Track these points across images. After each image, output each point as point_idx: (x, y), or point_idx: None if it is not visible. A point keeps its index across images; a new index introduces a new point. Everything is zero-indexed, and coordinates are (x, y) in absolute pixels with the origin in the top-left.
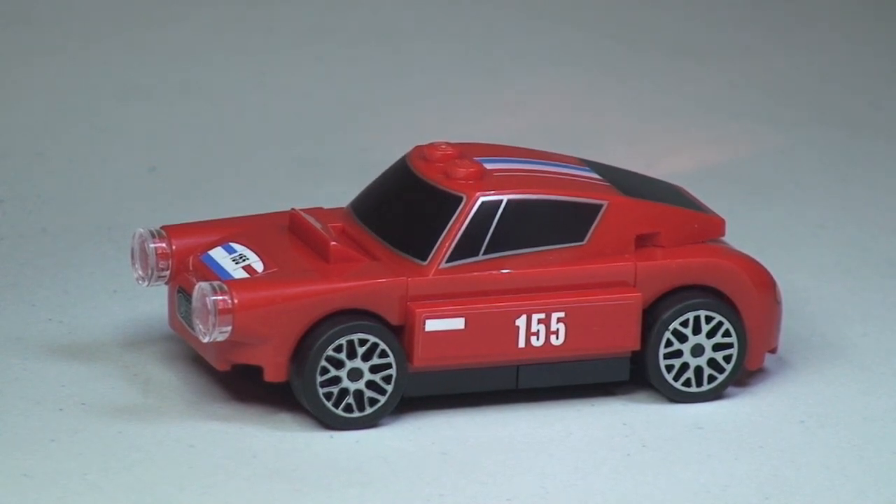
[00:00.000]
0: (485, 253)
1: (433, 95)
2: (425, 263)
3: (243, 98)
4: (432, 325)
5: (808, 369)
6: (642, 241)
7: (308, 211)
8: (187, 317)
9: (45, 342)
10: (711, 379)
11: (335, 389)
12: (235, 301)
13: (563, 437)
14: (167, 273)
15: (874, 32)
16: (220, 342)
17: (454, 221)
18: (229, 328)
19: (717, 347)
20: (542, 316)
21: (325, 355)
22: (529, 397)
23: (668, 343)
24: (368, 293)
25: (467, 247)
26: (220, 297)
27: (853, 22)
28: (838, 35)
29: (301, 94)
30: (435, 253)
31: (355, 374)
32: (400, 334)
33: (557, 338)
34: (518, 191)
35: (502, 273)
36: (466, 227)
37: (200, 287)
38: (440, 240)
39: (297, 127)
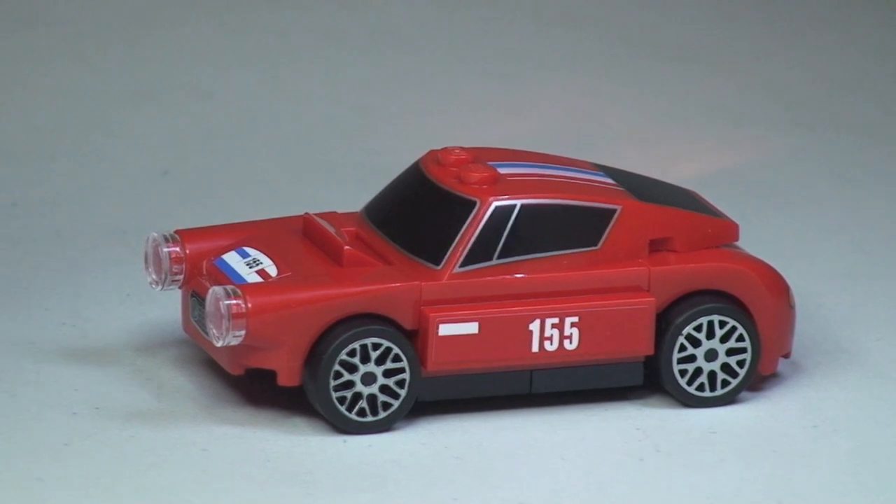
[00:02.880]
0: (498, 257)
1: (446, 99)
2: (439, 268)
3: (256, 102)
4: (446, 329)
5: (821, 374)
6: (656, 246)
7: (321, 215)
8: (201, 321)
9: (59, 346)
10: (725, 384)
11: (349, 394)
12: (249, 305)
13: (576, 441)
14: (181, 277)
15: (885, 37)
16: (233, 346)
17: (468, 226)
18: (243, 332)
19: (730, 352)
20: (556, 320)
21: (338, 359)
22: (543, 402)
23: (682, 348)
24: (382, 297)
25: (481, 251)
26: (234, 302)
27: (865, 27)
28: (850, 40)
29: (314, 98)
30: (448, 257)
31: (369, 379)
32: (413, 339)
33: (571, 342)
34: (532, 195)
35: (516, 277)
36: (480, 232)
37: (214, 291)
38: (454, 244)
39: (310, 131)
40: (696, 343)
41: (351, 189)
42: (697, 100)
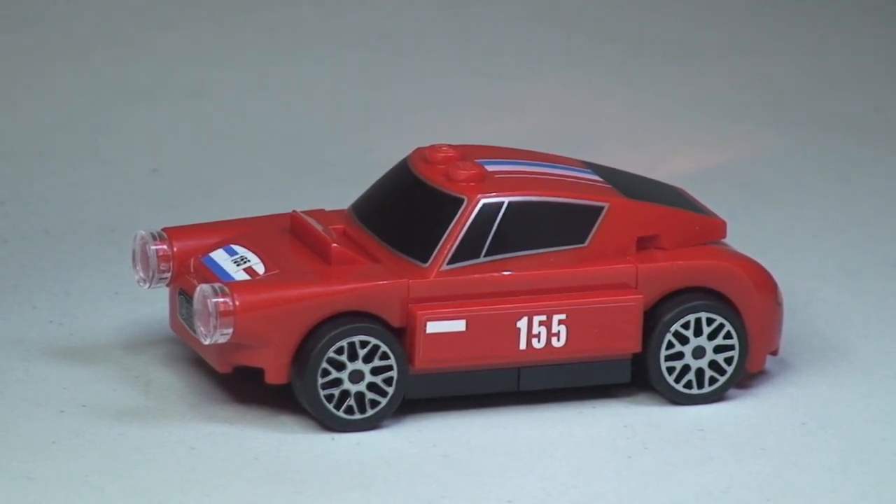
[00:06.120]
0: (486, 255)
1: (435, 97)
2: (426, 265)
3: (245, 100)
4: (433, 327)
5: (809, 371)
6: (643, 243)
7: (309, 213)
8: (188, 319)
9: (47, 344)
10: (713, 381)
11: (336, 391)
12: (237, 303)
13: (564, 438)
14: (168, 275)
15: (877, 35)
16: (221, 344)
17: (455, 223)
18: (230, 330)
19: (718, 349)
20: (544, 318)
21: (326, 357)
22: (531, 399)
23: (670, 345)
24: (370, 295)
25: (469, 249)
26: (222, 300)
27: (856, 24)
28: (840, 37)
29: (303, 95)
30: (436, 255)
31: (356, 377)
32: (401, 336)
33: (559, 340)
34: (519, 193)
35: (504, 275)
36: (468, 230)
37: (202, 289)
38: (441, 242)
39: (298, 129)
40: (683, 340)
41: (339, 186)
42: (687, 97)
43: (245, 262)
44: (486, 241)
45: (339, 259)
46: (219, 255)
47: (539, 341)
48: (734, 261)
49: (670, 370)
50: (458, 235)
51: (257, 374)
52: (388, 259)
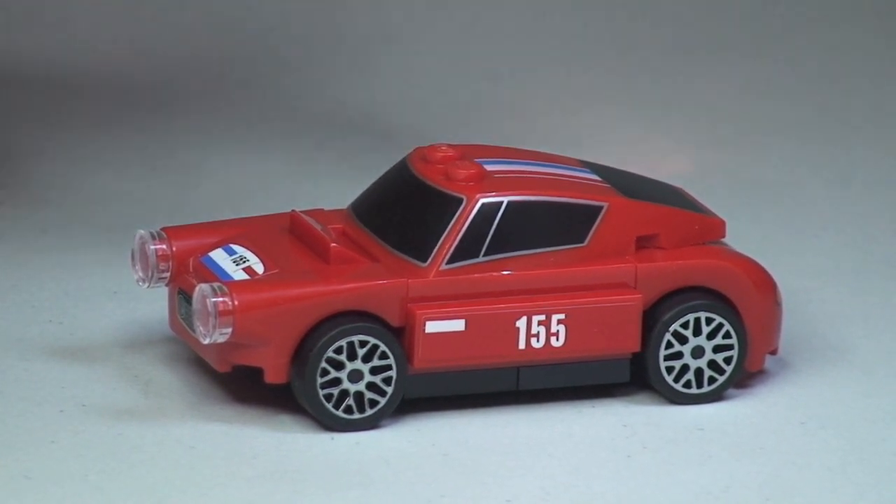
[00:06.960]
0: (485, 254)
1: (434, 97)
2: (426, 265)
3: (244, 98)
4: (433, 326)
5: (808, 371)
6: (643, 243)
7: (308, 212)
8: (188, 318)
9: (46, 343)
10: (712, 380)
11: (336, 391)
12: (236, 303)
13: (563, 438)
14: (167, 274)
15: (876, 34)
16: (220, 344)
17: (454, 223)
18: (229, 330)
19: (717, 349)
20: (543, 317)
21: (325, 357)
22: (530, 399)
23: (669, 344)
24: (369, 295)
25: (468, 248)
26: (221, 299)
27: (855, 23)
28: (840, 37)
29: (303, 95)
30: (435, 254)
31: (356, 376)
32: (400, 336)
33: (558, 339)
34: (518, 192)
35: (503, 274)
36: (467, 229)
37: (201, 288)
38: (440, 241)
39: (299, 128)
40: (682, 340)
41: (340, 187)
42: (687, 97)
43: (244, 262)
44: (485, 240)
45: (339, 258)
46: (218, 255)
47: (538, 341)
48: (733, 260)
49: (669, 370)
50: (457, 235)
51: (256, 373)
52: (388, 258)
